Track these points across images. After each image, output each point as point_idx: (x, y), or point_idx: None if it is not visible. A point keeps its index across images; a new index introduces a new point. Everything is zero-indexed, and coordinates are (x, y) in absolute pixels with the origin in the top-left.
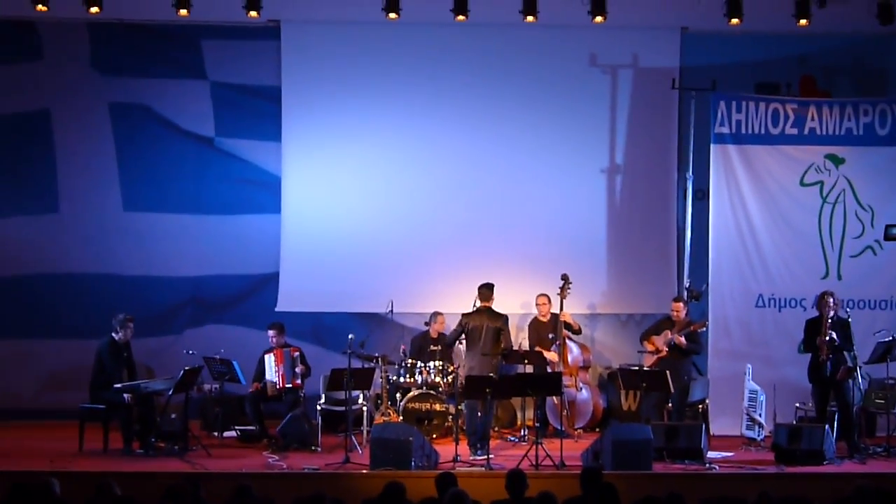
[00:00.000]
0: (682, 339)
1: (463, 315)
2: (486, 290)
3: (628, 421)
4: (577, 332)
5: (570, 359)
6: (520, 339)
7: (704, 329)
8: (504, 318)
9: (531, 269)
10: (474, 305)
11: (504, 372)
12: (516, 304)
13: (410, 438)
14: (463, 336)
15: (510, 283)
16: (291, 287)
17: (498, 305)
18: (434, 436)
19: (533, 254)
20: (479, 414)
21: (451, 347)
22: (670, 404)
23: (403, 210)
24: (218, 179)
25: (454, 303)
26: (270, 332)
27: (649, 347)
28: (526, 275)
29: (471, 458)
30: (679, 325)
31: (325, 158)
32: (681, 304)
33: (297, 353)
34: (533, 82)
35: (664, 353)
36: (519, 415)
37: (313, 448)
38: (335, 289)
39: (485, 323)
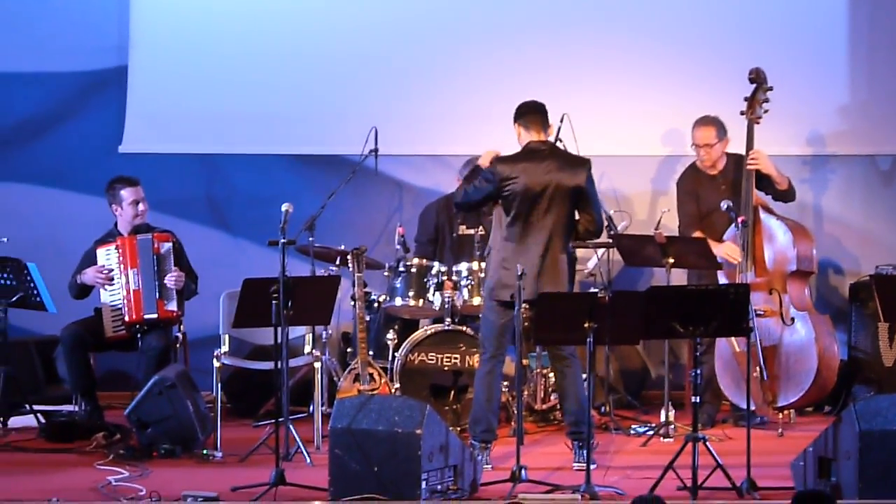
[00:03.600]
0: None
1: (496, 160)
2: (536, 114)
3: (894, 389)
4: (786, 195)
5: (768, 256)
6: (658, 212)
7: None
8: (587, 167)
9: (680, 64)
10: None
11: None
12: (653, 137)
13: (418, 432)
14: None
15: (632, 95)
16: (152, 99)
17: (600, 145)
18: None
19: (685, 36)
20: (562, 378)
21: (470, 212)
22: None
23: None
24: None
25: (509, 134)
26: (124, 194)
27: None
28: (670, 77)
29: (575, 464)
30: None
31: None
32: None
33: (167, 246)
34: None
35: None
36: (654, 377)
37: (205, 452)
38: (249, 105)
39: (549, 178)
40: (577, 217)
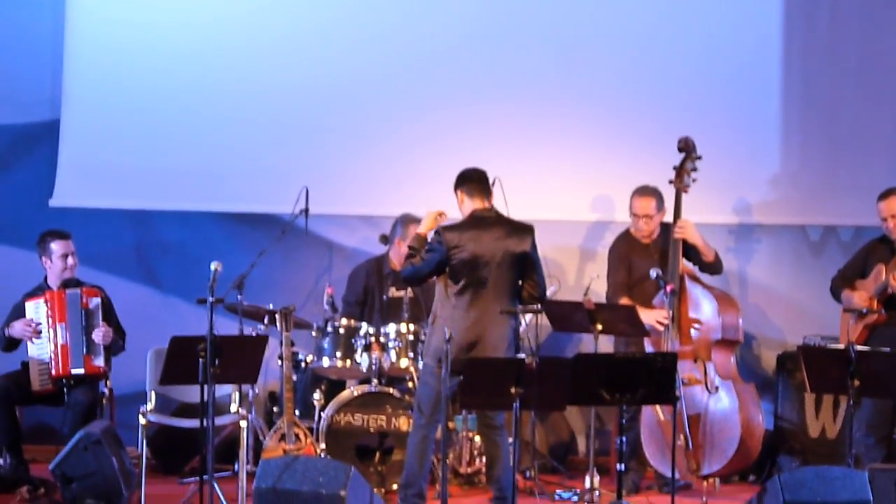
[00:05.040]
0: None
1: (443, 230)
2: (480, 182)
3: (819, 461)
4: (712, 267)
5: (695, 325)
6: (587, 278)
7: None
8: (532, 233)
9: (610, 131)
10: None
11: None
12: (582, 203)
13: (343, 493)
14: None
15: (562, 161)
16: (84, 154)
17: (530, 209)
18: (396, 485)
19: (616, 103)
20: (491, 441)
21: (418, 286)
22: None
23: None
24: None
25: (442, 196)
26: (54, 247)
27: (856, 301)
28: (601, 144)
29: None
30: None
31: None
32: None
33: (96, 301)
34: None
35: (878, 315)
36: (580, 443)
37: None
38: (181, 161)
39: (497, 245)
40: (527, 281)
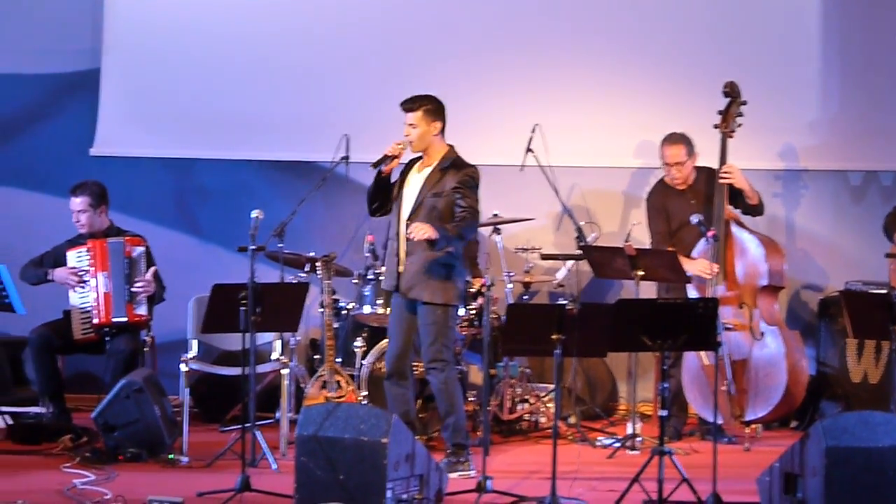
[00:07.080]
0: None
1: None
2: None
3: (862, 406)
4: (756, 210)
5: (739, 270)
6: (629, 224)
7: None
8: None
9: (653, 76)
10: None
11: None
12: (625, 149)
13: (384, 440)
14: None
15: (605, 107)
16: (124, 102)
17: (572, 156)
18: (437, 433)
19: (659, 49)
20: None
21: None
22: None
23: None
24: None
25: (484, 143)
26: (77, 202)
27: None
28: (644, 89)
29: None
30: None
31: None
32: None
33: (139, 250)
34: None
35: None
36: (622, 390)
37: (171, 457)
38: (221, 110)
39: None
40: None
